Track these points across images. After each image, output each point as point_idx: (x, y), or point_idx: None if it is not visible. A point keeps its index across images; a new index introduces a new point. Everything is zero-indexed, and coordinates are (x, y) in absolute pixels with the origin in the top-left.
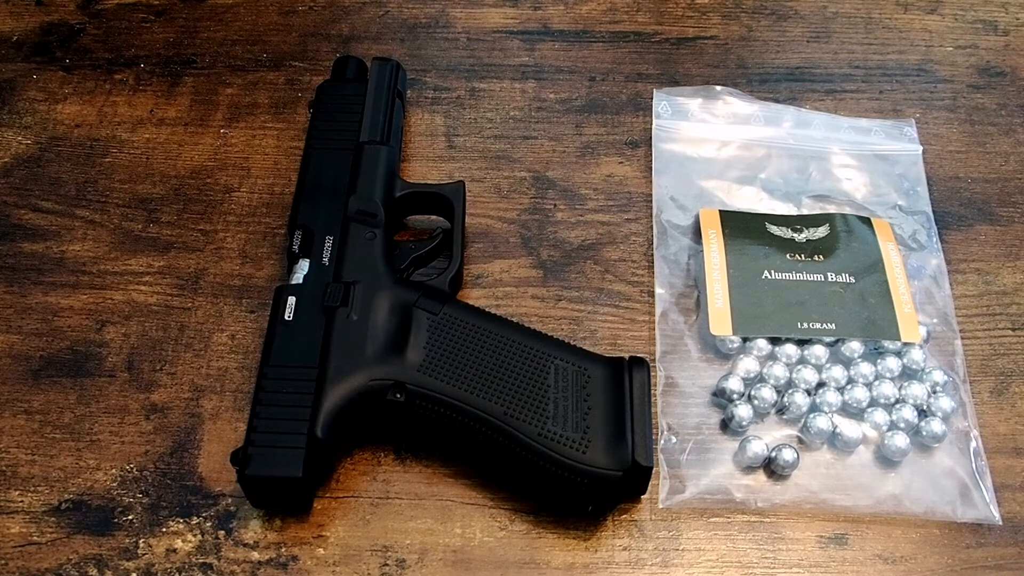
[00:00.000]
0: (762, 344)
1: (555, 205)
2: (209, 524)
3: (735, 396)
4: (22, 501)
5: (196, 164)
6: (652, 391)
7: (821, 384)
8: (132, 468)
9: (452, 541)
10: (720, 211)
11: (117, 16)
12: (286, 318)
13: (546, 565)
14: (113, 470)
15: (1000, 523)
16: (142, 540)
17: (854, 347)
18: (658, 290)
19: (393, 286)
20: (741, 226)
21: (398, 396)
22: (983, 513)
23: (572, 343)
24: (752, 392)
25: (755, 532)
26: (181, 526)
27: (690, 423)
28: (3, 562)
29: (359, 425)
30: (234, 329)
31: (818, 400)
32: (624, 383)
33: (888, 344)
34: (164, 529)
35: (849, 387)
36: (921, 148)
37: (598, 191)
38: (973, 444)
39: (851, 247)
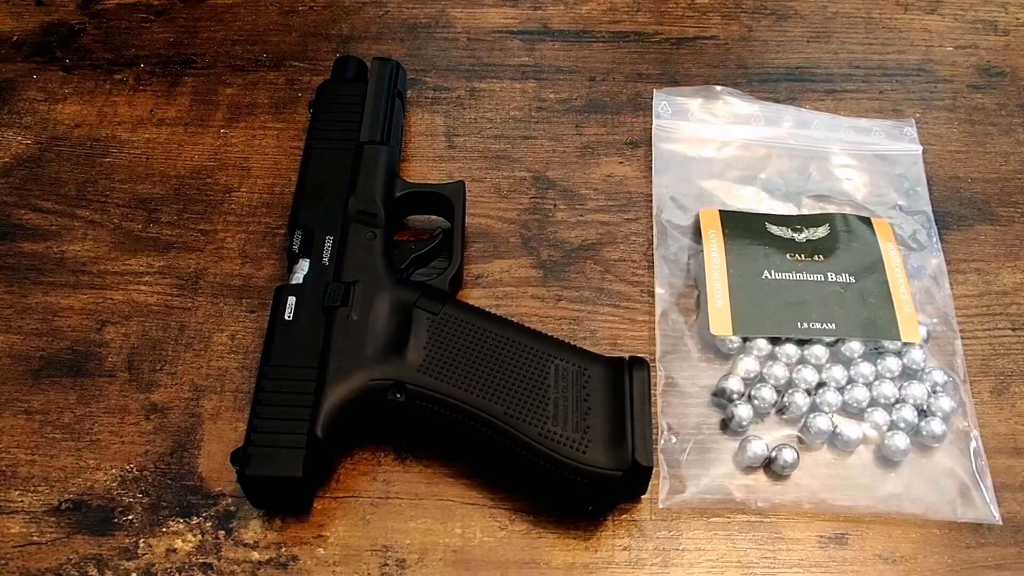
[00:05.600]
0: (762, 344)
1: (555, 205)
2: (209, 524)
3: (735, 396)
4: (22, 501)
5: (196, 164)
6: (652, 391)
7: (821, 384)
8: (132, 468)
9: (452, 541)
10: (720, 211)
11: (117, 16)
12: (286, 318)
13: (546, 565)
14: (113, 470)
15: (1000, 523)
16: (142, 540)
17: (854, 347)
18: (658, 290)
19: (393, 286)
20: (741, 226)
21: (398, 396)
22: (983, 513)
23: (572, 343)
24: (752, 392)
25: (755, 532)
26: (181, 526)
27: (690, 423)
28: (3, 562)
29: (359, 425)
30: (234, 329)
31: (818, 400)
32: (624, 383)
33: (888, 344)
34: (164, 529)
35: (849, 387)
36: (921, 148)
37: (598, 191)
38: (973, 444)
39: (851, 247)
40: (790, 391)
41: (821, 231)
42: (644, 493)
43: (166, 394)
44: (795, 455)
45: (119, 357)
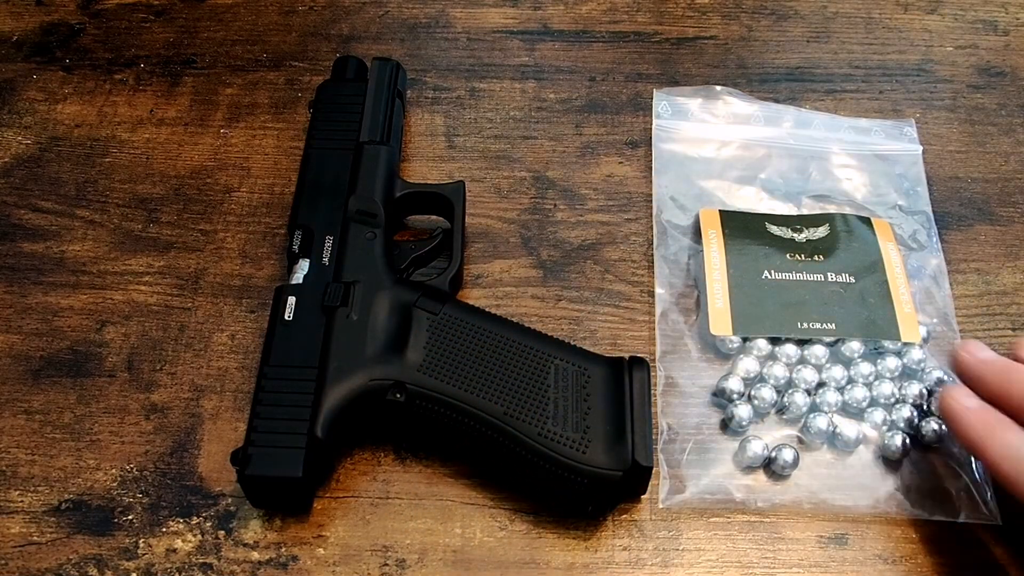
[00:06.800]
0: (762, 344)
1: (555, 205)
2: (209, 524)
3: (735, 396)
4: (22, 501)
5: (196, 164)
6: (652, 391)
7: (821, 384)
8: (132, 468)
9: (452, 541)
10: (720, 211)
11: (117, 16)
12: (286, 318)
13: (546, 565)
14: (113, 470)
15: (1000, 523)
16: (142, 540)
17: (854, 347)
18: (658, 290)
19: (393, 286)
20: (741, 226)
21: (398, 396)
22: (983, 513)
23: (572, 343)
24: (752, 392)
25: (755, 532)
26: (181, 526)
27: (690, 423)
28: (3, 562)
29: (359, 425)
30: (234, 329)
31: (818, 400)
32: (624, 383)
33: (888, 344)
34: (164, 529)
35: (849, 387)
36: (921, 148)
37: (598, 191)
38: None
39: (851, 247)
40: (790, 391)
41: (821, 231)
42: (644, 493)
43: (166, 394)
44: (795, 455)
45: (119, 357)
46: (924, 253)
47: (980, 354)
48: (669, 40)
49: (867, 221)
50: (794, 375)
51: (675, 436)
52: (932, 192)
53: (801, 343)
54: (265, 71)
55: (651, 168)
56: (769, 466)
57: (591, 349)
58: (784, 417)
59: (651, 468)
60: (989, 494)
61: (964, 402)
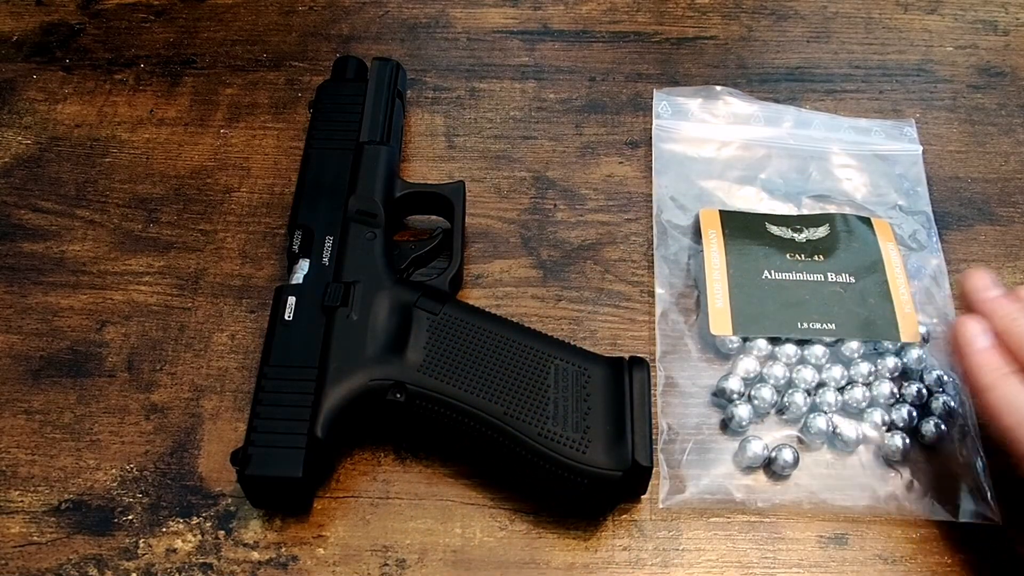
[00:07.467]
0: (762, 344)
1: (555, 205)
2: (209, 524)
3: (735, 396)
4: (22, 501)
5: (196, 164)
6: (652, 391)
7: (821, 384)
8: (132, 468)
9: (452, 541)
10: (720, 211)
11: (117, 16)
12: (286, 318)
13: (546, 565)
14: (113, 470)
15: (1000, 523)
16: (142, 540)
17: (853, 347)
18: (658, 290)
19: (393, 286)
20: (741, 226)
21: (398, 396)
22: (983, 513)
23: (572, 343)
24: (752, 392)
25: (755, 532)
26: (181, 526)
27: (690, 423)
28: (3, 562)
29: (359, 425)
30: (234, 329)
31: (817, 400)
32: (624, 383)
33: (888, 344)
34: (164, 529)
35: (849, 387)
36: (921, 148)
37: (598, 191)
38: (973, 444)
39: (851, 247)
40: (790, 391)
41: (821, 231)
42: (644, 493)
43: (166, 394)
44: (795, 455)
45: (119, 357)
46: (924, 253)
47: (987, 292)
48: (669, 40)
49: (867, 221)
50: (794, 375)
51: (675, 436)
52: (932, 192)
53: (801, 343)
54: (265, 71)
55: (651, 168)
56: (769, 466)
57: (591, 349)
58: (784, 417)
59: (651, 468)
60: (989, 494)
61: (977, 341)
